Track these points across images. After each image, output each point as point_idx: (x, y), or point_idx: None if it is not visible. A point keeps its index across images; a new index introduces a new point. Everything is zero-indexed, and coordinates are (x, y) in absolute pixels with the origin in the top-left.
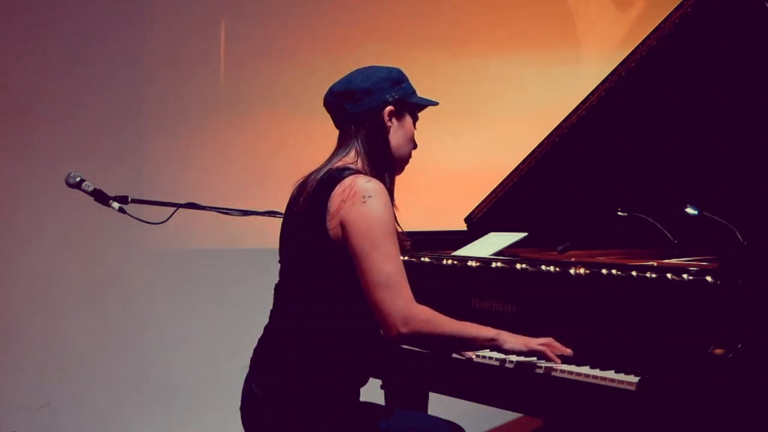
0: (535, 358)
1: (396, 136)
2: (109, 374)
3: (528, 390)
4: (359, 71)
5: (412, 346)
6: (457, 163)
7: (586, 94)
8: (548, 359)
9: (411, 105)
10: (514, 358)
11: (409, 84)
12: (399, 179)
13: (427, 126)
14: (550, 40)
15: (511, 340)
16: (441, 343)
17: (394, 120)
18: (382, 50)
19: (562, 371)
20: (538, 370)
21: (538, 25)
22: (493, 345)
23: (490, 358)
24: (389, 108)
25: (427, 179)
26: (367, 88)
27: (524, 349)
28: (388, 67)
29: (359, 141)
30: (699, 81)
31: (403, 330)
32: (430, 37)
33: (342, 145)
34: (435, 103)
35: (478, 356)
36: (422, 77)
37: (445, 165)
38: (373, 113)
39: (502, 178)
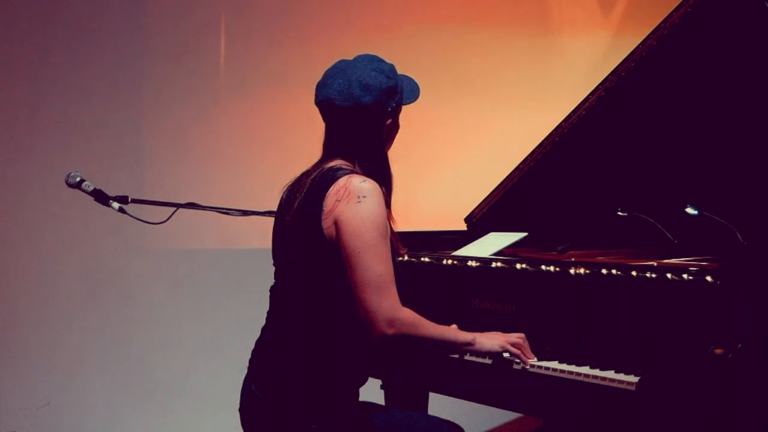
0: (507, 355)
1: (387, 138)
2: (109, 374)
3: (528, 390)
4: (357, 78)
5: (394, 348)
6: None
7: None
8: (523, 352)
9: (402, 105)
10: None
11: (400, 82)
12: (397, 177)
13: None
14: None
15: (487, 342)
16: (422, 347)
17: (391, 124)
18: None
19: (562, 371)
20: (538, 370)
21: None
22: (472, 350)
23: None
24: (389, 120)
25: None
26: (370, 104)
27: (500, 349)
28: (384, 72)
29: (353, 145)
30: (699, 81)
31: (388, 332)
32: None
33: (332, 147)
34: (419, 91)
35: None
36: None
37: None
38: (374, 127)
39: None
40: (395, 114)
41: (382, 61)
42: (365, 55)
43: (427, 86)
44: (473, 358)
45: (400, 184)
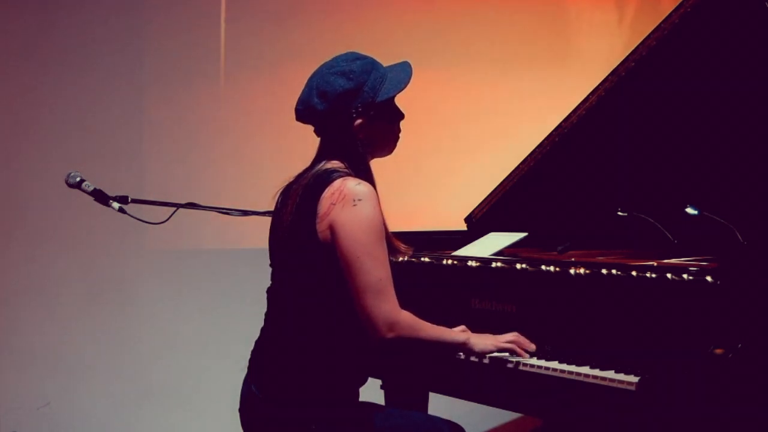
0: (507, 354)
1: (374, 139)
2: (109, 374)
3: (528, 390)
4: (316, 85)
5: (392, 351)
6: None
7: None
8: (517, 354)
9: (381, 103)
10: (513, 358)
11: (374, 79)
12: (394, 176)
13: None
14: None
15: (479, 342)
16: (420, 348)
17: (367, 126)
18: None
19: (562, 371)
20: (538, 370)
21: None
22: (465, 349)
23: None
24: (358, 122)
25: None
26: (325, 110)
27: (494, 348)
28: (346, 74)
29: (339, 151)
30: (699, 81)
31: (388, 335)
32: None
33: (323, 152)
34: (405, 83)
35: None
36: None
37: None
38: (343, 131)
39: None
40: (366, 114)
41: (355, 59)
42: (338, 56)
43: (428, 83)
44: (472, 358)
45: (401, 183)
